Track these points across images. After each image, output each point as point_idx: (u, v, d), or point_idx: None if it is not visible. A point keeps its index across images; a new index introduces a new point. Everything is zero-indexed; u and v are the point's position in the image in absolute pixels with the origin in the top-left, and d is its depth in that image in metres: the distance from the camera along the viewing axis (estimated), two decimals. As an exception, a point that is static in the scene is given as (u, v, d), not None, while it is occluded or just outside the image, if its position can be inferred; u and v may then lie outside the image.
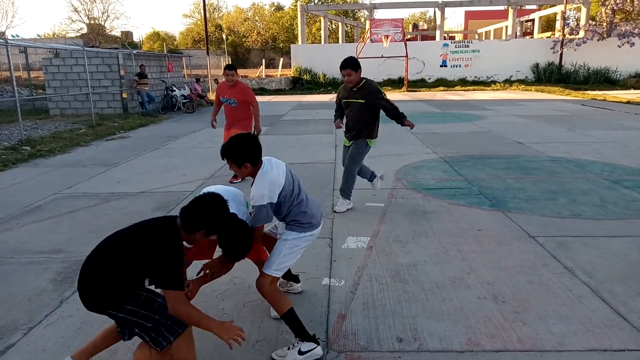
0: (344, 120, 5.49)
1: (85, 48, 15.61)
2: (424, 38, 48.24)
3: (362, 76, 5.18)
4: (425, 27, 61.42)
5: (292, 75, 30.91)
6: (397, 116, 5.22)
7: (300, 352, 2.73)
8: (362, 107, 5.17)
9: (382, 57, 27.72)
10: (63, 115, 15.84)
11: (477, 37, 48.67)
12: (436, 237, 4.59)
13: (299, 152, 9.14)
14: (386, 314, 3.22)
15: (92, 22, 52.70)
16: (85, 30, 51.89)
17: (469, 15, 54.47)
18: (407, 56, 27.18)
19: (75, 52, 15.74)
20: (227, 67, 6.70)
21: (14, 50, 12.73)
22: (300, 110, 17.50)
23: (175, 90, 18.03)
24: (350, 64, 5.02)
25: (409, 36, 42.89)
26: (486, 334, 2.96)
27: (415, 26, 58.68)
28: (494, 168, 7.39)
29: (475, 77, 29.85)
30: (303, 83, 29.99)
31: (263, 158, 2.90)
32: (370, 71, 29.02)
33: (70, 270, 3.97)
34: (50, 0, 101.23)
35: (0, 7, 74.18)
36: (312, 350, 2.74)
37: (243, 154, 2.80)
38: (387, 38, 26.79)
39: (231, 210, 2.61)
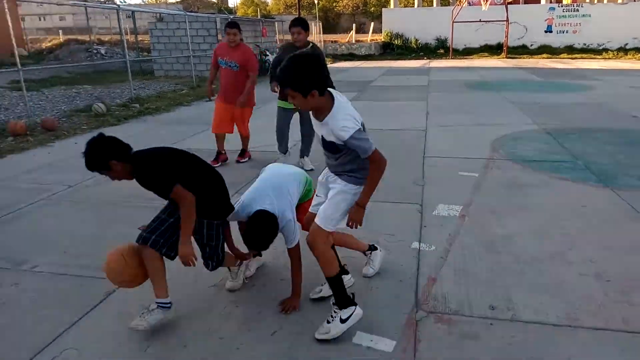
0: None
1: (187, 13, 16.37)
2: (528, 1, 44.67)
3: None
4: (530, -11, 56.59)
5: (383, 40, 30.25)
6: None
7: (342, 320, 2.58)
8: None
9: (480, 21, 26.17)
10: (166, 77, 16.89)
11: (588, 0, 44.15)
12: (535, 210, 4.38)
13: (388, 118, 9.03)
14: (478, 282, 3.18)
15: (191, -13, 54.89)
16: (185, -4, 54.26)
17: (582, -24, 49.30)
18: (507, 20, 25.43)
19: (177, 17, 16.57)
20: (229, 25, 5.82)
21: (123, 15, 13.70)
22: (390, 77, 17.18)
23: (268, 55, 18.43)
24: (302, 23, 5.27)
25: (511, -1, 39.98)
26: (586, 311, 2.82)
27: (518, -12, 54.32)
28: (603, 142, 6.83)
29: (584, 44, 27.27)
30: (394, 48, 29.27)
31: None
32: (466, 36, 27.63)
33: (177, 217, 4.33)
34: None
35: (111, -26, 79.41)
36: (352, 314, 2.60)
37: (310, 77, 2.25)
38: (487, 1, 25.18)
39: (292, 191, 2.91)
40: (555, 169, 5.59)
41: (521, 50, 27.34)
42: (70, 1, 11.49)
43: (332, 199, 2.63)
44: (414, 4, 38.25)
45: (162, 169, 2.58)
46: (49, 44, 27.27)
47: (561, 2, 41.30)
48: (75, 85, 13.63)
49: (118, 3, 11.68)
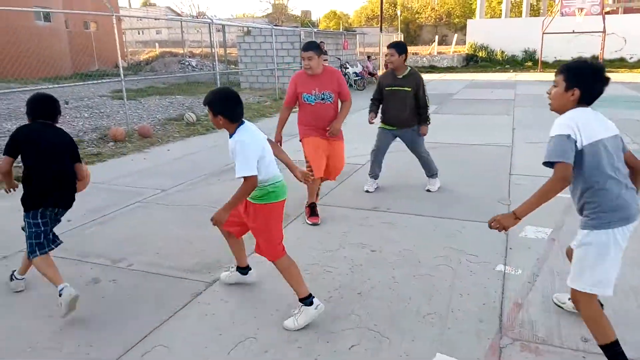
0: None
1: (274, 26, 17.00)
2: (627, 11, 41.47)
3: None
4: (632, -3, 52.53)
5: (466, 52, 29.47)
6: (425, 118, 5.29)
7: None
8: (407, 94, 5.14)
9: (574, 32, 24.67)
10: (251, 89, 17.61)
11: (702, 7, 40.08)
12: (632, 235, 4.02)
13: (471, 133, 8.75)
14: (569, 310, 2.97)
15: (277, 2, 57.00)
16: (270, 10, 56.46)
17: (694, -19, 44.97)
18: (604, 31, 23.74)
19: (264, 30, 17.26)
20: (304, 47, 4.48)
21: (213, 29, 14.55)
22: (473, 90, 16.67)
23: (348, 68, 18.62)
24: (395, 45, 5.06)
25: (608, 9, 37.27)
26: (698, 354, 2.55)
27: (618, -4, 50.63)
28: None
29: (696, 56, 24.78)
30: (477, 60, 28.40)
31: None
32: (557, 48, 26.15)
33: (259, 224, 4.48)
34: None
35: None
36: None
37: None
38: (581, 11, 23.70)
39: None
40: (659, 193, 5.11)
41: (618, 64, 25.40)
42: (167, 16, 12.35)
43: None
44: (500, 14, 36.93)
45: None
46: (145, 56, 29.52)
47: (668, 10, 37.96)
48: (168, 95, 14.63)
49: (210, 17, 12.36)
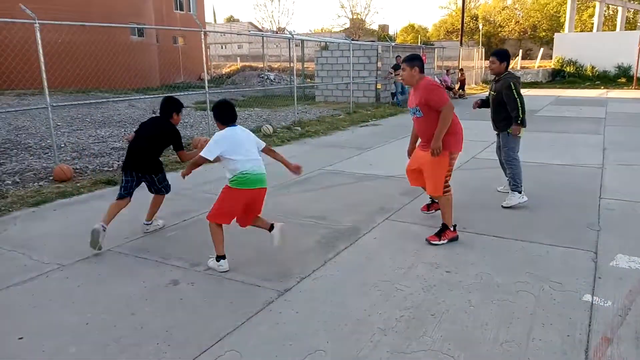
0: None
1: (351, 41, 17.18)
2: None
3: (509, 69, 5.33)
4: None
5: (552, 67, 28.01)
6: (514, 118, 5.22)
7: None
8: (495, 98, 5.35)
9: (676, 46, 22.67)
10: (326, 102, 17.87)
11: None
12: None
13: (557, 152, 8.26)
14: (669, 352, 2.69)
15: (354, 16, 57.61)
16: (347, 25, 57.15)
17: None
18: None
19: (341, 45, 17.48)
20: (402, 60, 4.46)
21: (292, 44, 14.97)
22: (559, 106, 15.78)
23: (425, 81, 18.33)
24: (496, 54, 5.28)
25: None
26: None
27: None
28: None
29: None
30: (564, 76, 26.88)
31: None
32: (657, 64, 24.08)
33: (331, 236, 4.50)
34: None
35: (283, 6, 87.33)
36: None
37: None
38: (688, 23, 21.71)
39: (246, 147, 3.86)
40: None
41: None
42: (250, 31, 12.86)
43: None
44: (591, 28, 34.80)
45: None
46: (227, 70, 30.95)
47: None
48: (247, 107, 15.19)
49: (290, 32, 12.73)
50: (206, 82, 9.44)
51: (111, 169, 7.37)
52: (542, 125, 11.56)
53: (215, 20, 61.10)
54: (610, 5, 36.14)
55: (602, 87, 23.73)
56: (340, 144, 9.58)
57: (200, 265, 3.90)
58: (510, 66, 26.06)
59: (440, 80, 18.97)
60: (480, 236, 4.49)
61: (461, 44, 26.42)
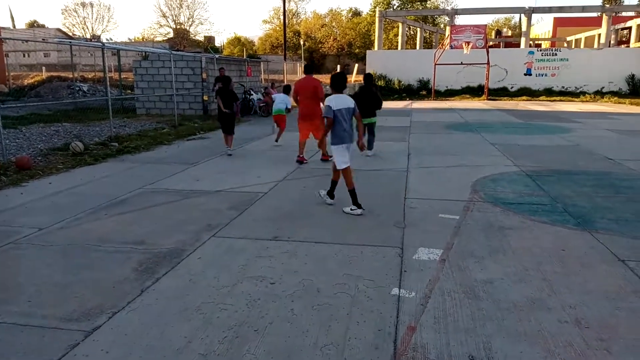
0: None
1: (172, 52, 16.54)
2: (507, 45, 46.34)
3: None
4: (510, 33, 58.95)
5: (367, 81, 30.81)
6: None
7: None
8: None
9: (462, 64, 26.96)
10: (148, 115, 16.87)
11: (565, 45, 45.95)
12: (515, 254, 4.35)
13: (370, 159, 9.06)
14: (458, 330, 3.09)
15: (178, 27, 55.90)
16: (171, 35, 55.21)
17: (558, 22, 51.56)
18: (488, 63, 26.23)
19: (162, 55, 16.73)
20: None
21: (108, 53, 13.80)
22: (373, 117, 17.37)
23: (252, 95, 18.60)
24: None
25: (491, 43, 41.23)
26: (568, 362, 2.75)
27: (498, 32, 56.53)
28: (581, 185, 6.91)
29: (563, 87, 28.19)
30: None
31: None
32: (448, 78, 28.35)
33: (151, 262, 4.19)
34: (141, 7, 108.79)
35: (98, 13, 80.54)
36: None
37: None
38: (468, 44, 26.02)
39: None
40: (534, 212, 5.61)
41: (502, 93, 28.09)
42: (56, 39, 11.50)
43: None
44: (397, 46, 39.37)
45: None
46: (31, 81, 27.19)
47: (540, 46, 42.93)
48: (54, 122, 13.46)
49: (104, 41, 11.70)
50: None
51: None
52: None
53: (14, 26, 53.50)
54: (411, 27, 41.44)
55: (408, 99, 26.96)
56: (164, 160, 9.10)
57: (-17, 314, 3.26)
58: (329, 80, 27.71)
59: (264, 93, 19.43)
60: (303, 244, 4.64)
61: (285, 58, 27.54)
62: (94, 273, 3.96)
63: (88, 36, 46.57)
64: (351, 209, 5.55)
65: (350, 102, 5.66)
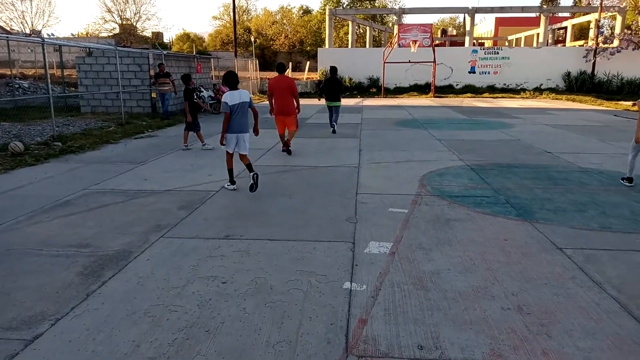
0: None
1: (118, 48, 15.95)
2: (453, 44, 47.80)
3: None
4: (455, 33, 60.84)
5: (318, 78, 30.96)
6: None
7: None
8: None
9: (410, 62, 27.59)
10: (94, 113, 16.22)
11: (507, 44, 47.95)
12: (460, 245, 4.52)
13: (322, 155, 9.14)
14: (407, 320, 3.18)
15: (124, 22, 53.94)
16: (117, 30, 53.15)
17: (499, 22, 53.75)
18: (434, 62, 26.96)
19: (107, 52, 16.10)
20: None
21: (49, 49, 13.11)
22: (325, 114, 17.44)
23: (203, 92, 18.24)
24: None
25: (437, 42, 42.48)
26: (510, 346, 2.90)
27: (444, 32, 58.25)
28: (522, 177, 7.26)
29: (504, 84, 29.42)
30: (329, 87, 29.96)
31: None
32: (397, 76, 28.95)
33: (96, 265, 4.05)
34: (85, 1, 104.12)
35: (37, 7, 76.44)
36: None
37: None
38: (415, 43, 26.64)
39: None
40: (478, 204, 5.85)
41: (447, 90, 28.97)
42: (-13, 34, 10.83)
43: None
44: (347, 44, 39.72)
45: None
46: (-37, 78, 25.45)
47: (483, 45, 44.57)
48: (-9, 122, 12.72)
49: (44, 36, 11.14)
50: None
51: None
52: (310, 131, 12.66)
53: (-60, 17, 49.84)
54: (360, 25, 41.95)
55: (359, 97, 27.31)
56: (111, 159, 8.79)
57: None
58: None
59: (215, 90, 19.15)
60: (256, 241, 4.62)
61: (236, 55, 27.18)
62: (36, 279, 3.79)
63: (27, 31, 44.09)
64: (227, 185, 6.63)
65: (245, 97, 6.28)
